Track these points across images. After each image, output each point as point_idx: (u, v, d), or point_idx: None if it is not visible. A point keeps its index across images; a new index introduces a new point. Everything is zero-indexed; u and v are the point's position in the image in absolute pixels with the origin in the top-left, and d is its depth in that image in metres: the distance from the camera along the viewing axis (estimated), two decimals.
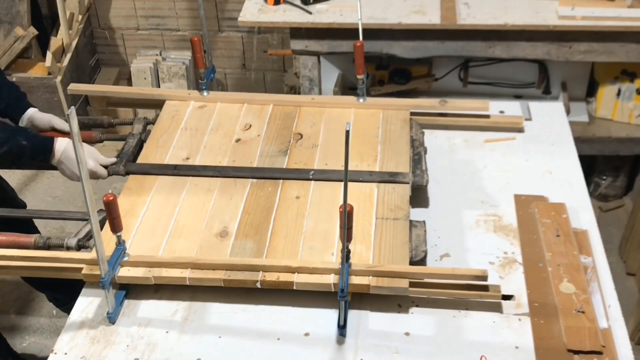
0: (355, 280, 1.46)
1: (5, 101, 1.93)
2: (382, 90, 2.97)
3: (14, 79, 3.40)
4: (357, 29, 1.93)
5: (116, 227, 1.44)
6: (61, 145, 1.80)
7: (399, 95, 2.88)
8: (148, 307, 1.52)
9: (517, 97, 3.05)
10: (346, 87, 3.10)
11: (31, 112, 1.94)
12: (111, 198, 1.39)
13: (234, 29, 3.59)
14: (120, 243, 1.49)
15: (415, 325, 1.46)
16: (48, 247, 1.63)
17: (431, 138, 1.96)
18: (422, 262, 1.55)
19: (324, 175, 1.76)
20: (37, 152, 1.79)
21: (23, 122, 1.93)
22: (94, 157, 1.81)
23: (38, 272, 1.59)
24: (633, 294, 2.66)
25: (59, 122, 1.94)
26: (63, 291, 2.46)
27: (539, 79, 3.02)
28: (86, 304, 1.53)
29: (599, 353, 1.37)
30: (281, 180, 1.76)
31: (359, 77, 1.96)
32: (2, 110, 1.93)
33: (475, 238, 1.66)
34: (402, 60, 2.89)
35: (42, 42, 3.53)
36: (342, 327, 1.43)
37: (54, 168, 1.86)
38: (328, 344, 1.42)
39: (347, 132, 1.17)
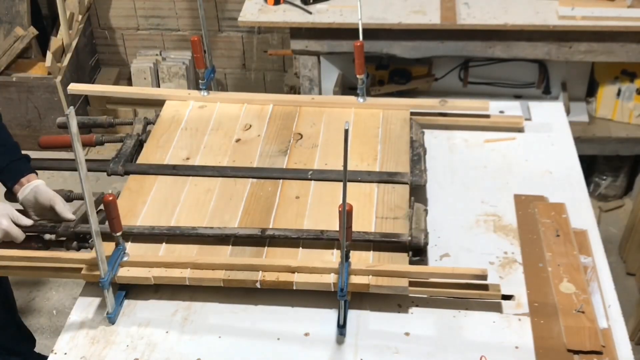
0: (355, 279, 1.45)
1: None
2: (382, 90, 2.97)
3: (14, 79, 3.41)
4: (357, 29, 1.93)
5: (116, 228, 1.44)
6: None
7: (399, 95, 2.88)
8: (148, 307, 1.51)
9: (517, 97, 3.05)
10: (346, 87, 3.10)
11: (37, 183, 1.71)
12: (111, 198, 1.39)
13: (234, 29, 3.59)
14: (119, 243, 1.49)
15: (415, 325, 1.46)
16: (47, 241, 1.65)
17: (431, 138, 1.96)
18: (423, 248, 1.54)
19: (322, 175, 1.75)
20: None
21: (26, 191, 1.68)
22: (11, 215, 1.61)
23: (38, 272, 1.59)
24: (633, 294, 2.66)
25: (60, 205, 1.65)
26: None
27: (539, 79, 3.02)
28: (86, 304, 1.53)
29: (599, 353, 1.37)
30: (281, 180, 1.76)
31: (359, 77, 1.95)
32: None
33: (475, 238, 1.66)
34: (402, 60, 2.89)
35: (42, 42, 3.54)
36: (341, 327, 1.43)
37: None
38: (328, 344, 1.42)
39: (346, 131, 1.18)
